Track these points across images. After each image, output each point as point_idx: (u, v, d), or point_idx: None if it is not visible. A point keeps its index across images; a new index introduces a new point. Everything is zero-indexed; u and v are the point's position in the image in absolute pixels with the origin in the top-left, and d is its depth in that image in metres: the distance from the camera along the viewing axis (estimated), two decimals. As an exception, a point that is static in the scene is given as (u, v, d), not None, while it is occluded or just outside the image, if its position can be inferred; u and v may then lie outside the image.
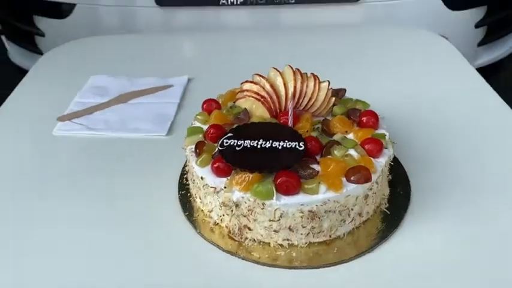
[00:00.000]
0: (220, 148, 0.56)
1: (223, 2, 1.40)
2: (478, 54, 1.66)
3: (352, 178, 0.54)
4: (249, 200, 0.53)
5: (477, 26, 1.56)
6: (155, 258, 0.57)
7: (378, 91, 0.81)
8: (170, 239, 0.59)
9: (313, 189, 0.52)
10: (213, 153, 0.58)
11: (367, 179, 0.54)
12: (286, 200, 0.52)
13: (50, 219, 0.62)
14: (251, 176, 0.53)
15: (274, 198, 0.52)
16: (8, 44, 1.85)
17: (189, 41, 1.17)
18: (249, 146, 0.56)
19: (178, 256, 0.57)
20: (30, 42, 1.68)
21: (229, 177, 0.55)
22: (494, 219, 0.60)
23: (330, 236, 0.56)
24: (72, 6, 1.50)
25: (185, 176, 0.67)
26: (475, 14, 1.54)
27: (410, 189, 0.64)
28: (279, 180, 0.52)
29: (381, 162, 0.57)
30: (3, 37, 1.85)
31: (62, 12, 1.53)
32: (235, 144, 0.56)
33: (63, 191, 0.67)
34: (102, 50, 1.09)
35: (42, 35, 1.60)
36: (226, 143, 0.57)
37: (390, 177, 0.65)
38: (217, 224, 0.59)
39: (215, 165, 0.55)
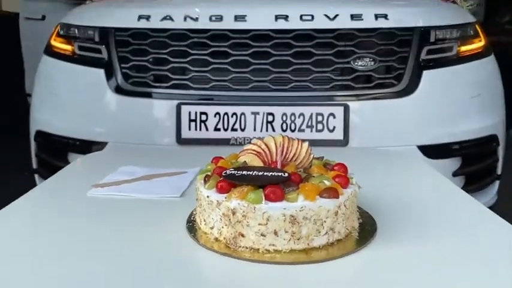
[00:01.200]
0: (224, 175, 0.75)
1: (233, 142, 1.70)
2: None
3: (324, 195, 0.71)
4: (243, 206, 0.70)
5: (454, 175, 1.80)
6: (163, 271, 0.70)
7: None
8: (177, 253, 0.73)
9: (293, 198, 0.69)
10: (218, 181, 0.76)
11: (336, 196, 0.71)
12: (272, 204, 0.69)
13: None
14: (246, 188, 0.71)
15: (263, 202, 0.69)
16: (39, 181, 2.11)
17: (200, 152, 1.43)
18: (245, 173, 0.75)
19: (184, 263, 0.70)
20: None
21: (230, 193, 0.72)
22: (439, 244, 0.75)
23: (308, 245, 0.70)
24: (104, 144, 1.81)
25: (192, 217, 0.83)
26: (451, 163, 1.80)
27: (376, 227, 0.80)
28: (267, 190, 0.70)
29: (348, 191, 0.75)
30: (36, 175, 2.13)
31: (94, 149, 1.83)
32: (235, 173, 0.75)
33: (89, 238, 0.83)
34: (131, 154, 1.35)
35: (73, 169, 1.87)
36: (229, 172, 0.76)
37: (361, 220, 0.81)
38: (217, 239, 0.74)
39: (219, 185, 0.74)
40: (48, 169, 2.04)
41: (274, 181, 0.72)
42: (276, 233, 0.69)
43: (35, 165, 2.10)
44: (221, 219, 0.72)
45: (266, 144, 0.85)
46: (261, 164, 0.83)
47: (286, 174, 0.74)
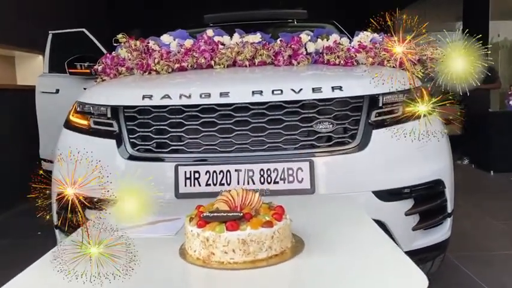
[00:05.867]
0: (202, 216, 1.22)
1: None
2: (416, 237, 2.29)
3: (263, 225, 1.17)
4: (213, 234, 1.16)
5: (407, 214, 2.25)
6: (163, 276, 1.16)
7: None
8: (171, 267, 1.19)
9: (244, 228, 1.16)
10: (197, 220, 1.23)
11: (271, 226, 1.17)
12: (230, 233, 1.15)
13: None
14: (215, 224, 1.17)
15: (225, 232, 1.15)
16: (59, 235, 2.57)
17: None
18: (215, 214, 1.22)
19: (176, 273, 1.16)
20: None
21: (205, 227, 1.19)
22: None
23: (254, 257, 1.16)
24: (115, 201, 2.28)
25: (182, 246, 1.29)
26: (404, 204, 2.25)
27: (303, 248, 1.25)
28: (227, 224, 1.16)
29: (281, 223, 1.21)
30: (56, 231, 2.59)
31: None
32: (209, 214, 1.22)
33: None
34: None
35: (90, 223, 2.34)
36: (205, 214, 1.23)
37: (294, 242, 1.26)
38: (198, 258, 1.20)
39: (199, 222, 1.20)
40: (67, 222, 2.51)
41: (232, 218, 1.19)
42: (233, 250, 1.15)
43: (55, 222, 2.56)
44: (200, 244, 1.18)
45: (231, 195, 1.32)
46: (228, 209, 1.30)
47: (241, 214, 1.21)
